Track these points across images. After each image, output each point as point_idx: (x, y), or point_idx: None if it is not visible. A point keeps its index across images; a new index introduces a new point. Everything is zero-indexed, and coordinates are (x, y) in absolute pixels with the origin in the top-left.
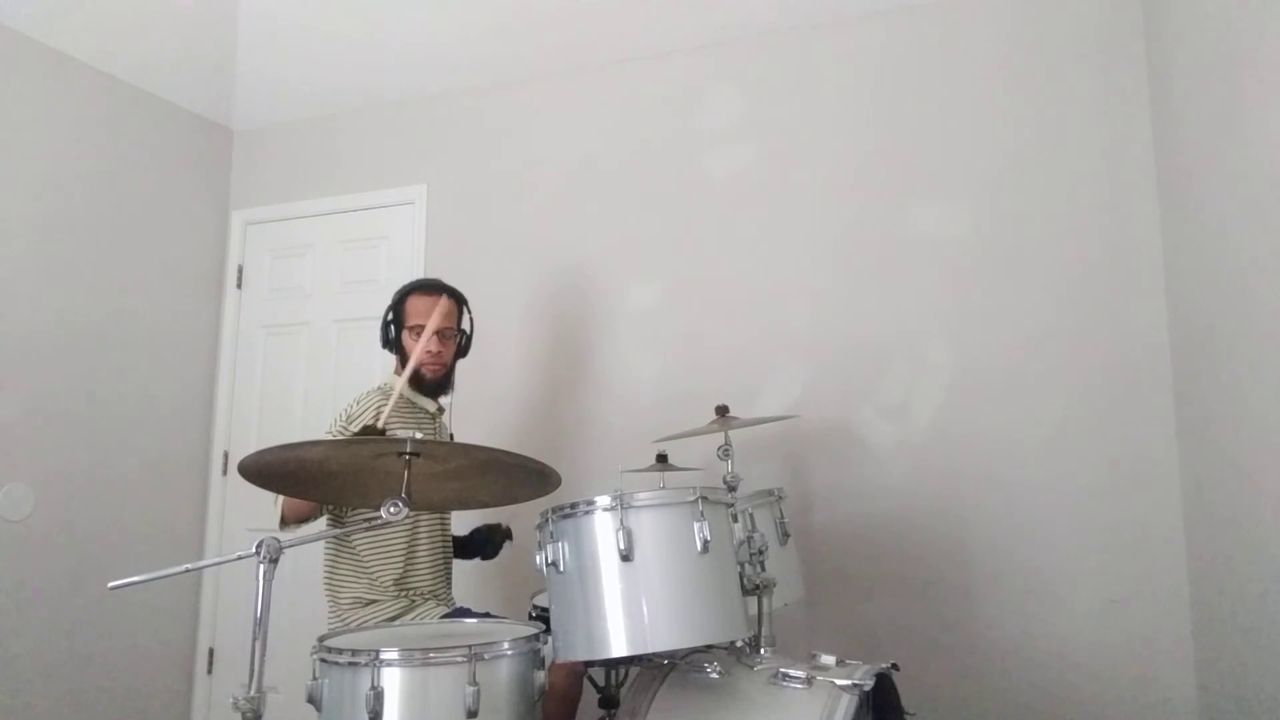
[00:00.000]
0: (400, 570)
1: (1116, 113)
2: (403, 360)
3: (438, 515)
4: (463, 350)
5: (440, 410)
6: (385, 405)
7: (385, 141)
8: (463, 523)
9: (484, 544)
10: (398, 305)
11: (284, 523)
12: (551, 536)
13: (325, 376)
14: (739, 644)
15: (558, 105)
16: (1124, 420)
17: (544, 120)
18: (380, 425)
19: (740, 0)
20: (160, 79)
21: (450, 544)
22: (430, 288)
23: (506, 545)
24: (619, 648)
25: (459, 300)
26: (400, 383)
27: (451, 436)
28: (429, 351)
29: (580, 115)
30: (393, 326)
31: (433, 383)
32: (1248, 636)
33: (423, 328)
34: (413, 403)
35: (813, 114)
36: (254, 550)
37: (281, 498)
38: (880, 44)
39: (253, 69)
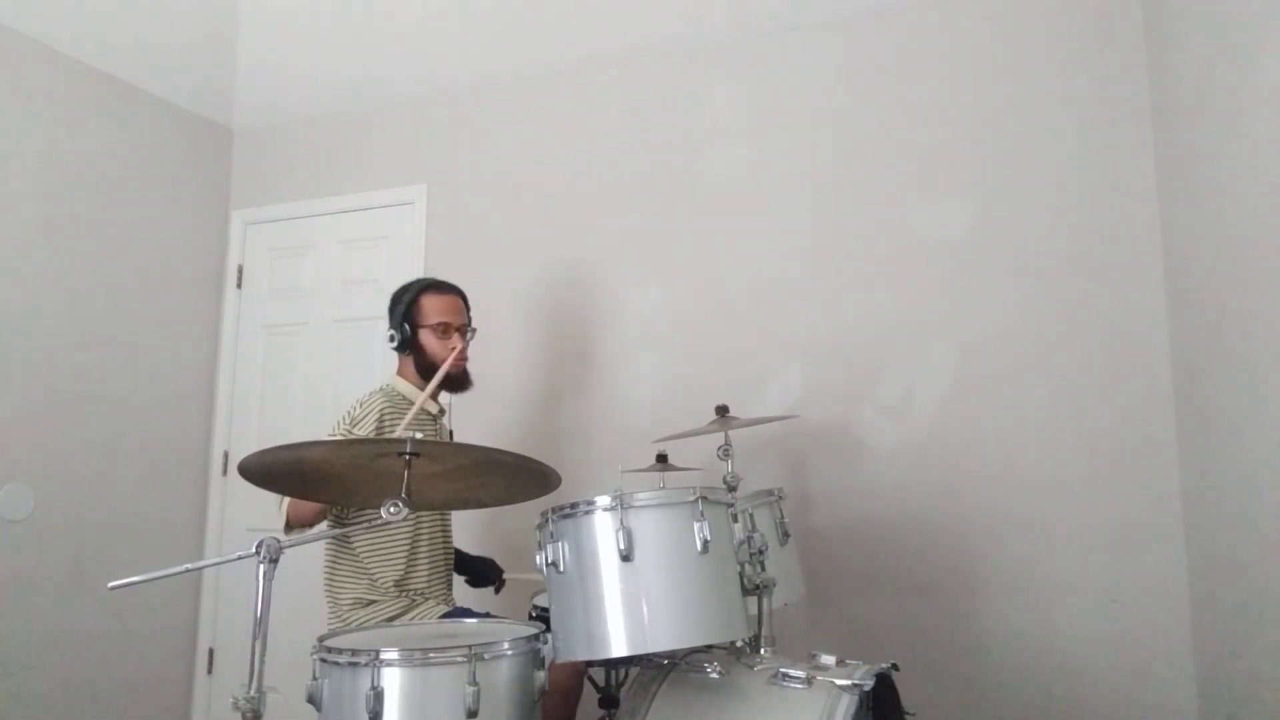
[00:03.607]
0: (401, 571)
1: (1116, 110)
2: (419, 359)
3: (439, 516)
4: None
5: (441, 411)
6: (406, 414)
7: (385, 141)
8: (464, 525)
9: (481, 571)
10: (411, 305)
11: (289, 527)
12: (551, 536)
13: (325, 376)
14: (739, 644)
15: (558, 105)
16: (1125, 420)
17: (544, 120)
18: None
19: (740, 1)
20: (160, 79)
21: (451, 545)
22: (443, 286)
23: (492, 589)
24: (619, 648)
25: (464, 297)
26: (432, 385)
27: (451, 435)
28: (454, 349)
29: (580, 115)
30: (407, 325)
31: (459, 379)
32: (1247, 636)
33: (445, 325)
34: (414, 404)
35: (812, 114)
36: (254, 550)
37: (286, 501)
38: (880, 43)
39: (253, 69)
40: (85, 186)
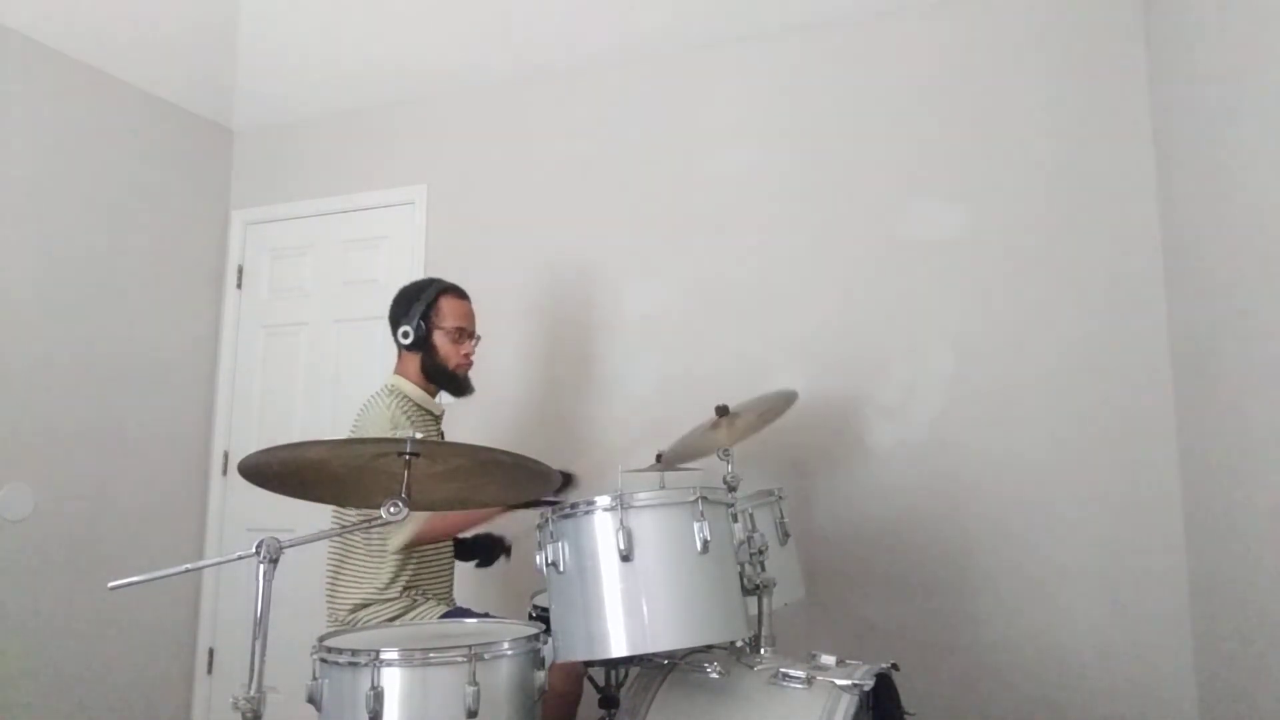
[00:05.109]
0: (404, 571)
1: (1113, 101)
2: (428, 360)
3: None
4: None
5: (441, 413)
6: (415, 414)
7: (385, 141)
8: None
9: (485, 551)
10: (430, 305)
11: (415, 543)
12: (551, 536)
13: (325, 376)
14: (739, 644)
15: (557, 105)
16: (1124, 417)
17: (543, 120)
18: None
19: (740, 1)
20: (160, 79)
21: (452, 544)
22: (462, 291)
23: (502, 558)
24: (619, 648)
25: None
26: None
27: (442, 435)
28: (466, 355)
29: (580, 116)
30: (422, 323)
31: (463, 384)
32: (1248, 641)
33: (460, 330)
34: (420, 405)
35: (813, 115)
36: (254, 550)
37: (411, 526)
38: (880, 44)
39: (253, 69)
40: (85, 187)
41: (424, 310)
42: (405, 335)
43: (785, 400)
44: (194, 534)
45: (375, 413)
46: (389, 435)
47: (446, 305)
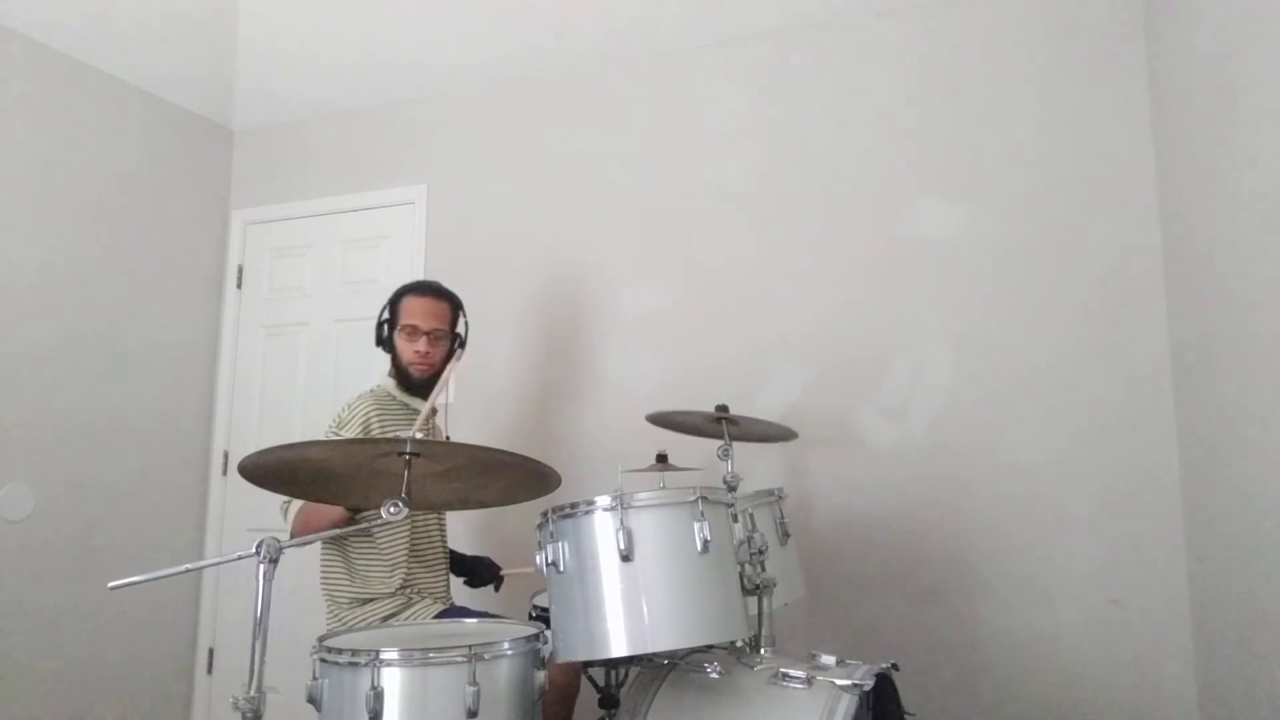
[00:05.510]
0: (398, 570)
1: (1118, 119)
2: (394, 359)
3: (435, 514)
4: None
5: (434, 412)
6: (393, 413)
7: (385, 141)
8: (464, 525)
9: (482, 571)
10: (393, 305)
11: (293, 536)
12: (551, 536)
13: (325, 376)
14: (739, 644)
15: (558, 105)
16: (1124, 416)
17: (544, 120)
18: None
19: (739, 1)
20: (160, 79)
21: (445, 542)
22: (425, 289)
23: (491, 588)
24: (619, 648)
25: (454, 303)
26: (436, 394)
27: (447, 438)
28: (417, 351)
29: (581, 115)
30: (386, 325)
31: (420, 383)
32: (1248, 641)
33: (414, 328)
34: (406, 404)
35: (812, 114)
36: (254, 550)
37: (293, 511)
38: (881, 45)
39: (253, 69)
40: (86, 187)
41: (388, 311)
42: (375, 338)
43: (783, 433)
44: (194, 534)
45: (339, 415)
46: (336, 437)
47: (405, 304)
